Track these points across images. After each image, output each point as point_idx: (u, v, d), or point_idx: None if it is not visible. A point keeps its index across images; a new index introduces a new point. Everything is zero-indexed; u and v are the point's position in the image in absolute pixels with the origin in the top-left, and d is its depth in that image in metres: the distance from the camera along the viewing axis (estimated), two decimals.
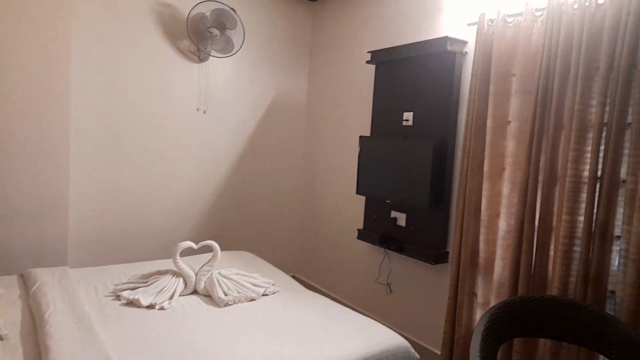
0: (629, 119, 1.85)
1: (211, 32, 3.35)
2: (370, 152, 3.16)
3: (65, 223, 2.90)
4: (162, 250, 3.39)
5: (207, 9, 3.34)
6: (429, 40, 2.77)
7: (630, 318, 1.79)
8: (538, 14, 2.23)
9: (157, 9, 3.31)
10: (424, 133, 2.86)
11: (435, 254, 2.74)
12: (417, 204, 2.78)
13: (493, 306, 1.83)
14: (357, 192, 3.25)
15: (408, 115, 2.96)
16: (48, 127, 2.79)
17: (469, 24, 2.58)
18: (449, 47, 2.64)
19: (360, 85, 3.51)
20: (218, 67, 3.62)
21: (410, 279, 3.05)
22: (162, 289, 2.35)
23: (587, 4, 2.00)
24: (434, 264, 2.76)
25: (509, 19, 2.35)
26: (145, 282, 2.43)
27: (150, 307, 2.21)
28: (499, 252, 2.31)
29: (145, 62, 3.29)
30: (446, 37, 2.64)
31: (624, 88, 1.84)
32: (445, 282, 2.74)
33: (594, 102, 1.97)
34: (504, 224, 2.30)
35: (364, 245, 3.42)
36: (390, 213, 3.07)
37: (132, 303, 2.22)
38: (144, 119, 3.33)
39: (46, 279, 2.34)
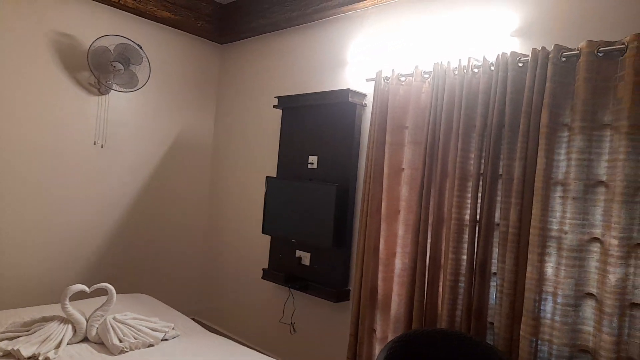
0: (500, 170, 2.15)
1: (114, 66, 3.25)
2: (277, 192, 3.23)
3: None
4: (49, 294, 3.08)
5: (110, 42, 3.26)
6: (333, 90, 2.97)
7: (505, 347, 2.02)
8: (426, 75, 2.52)
9: (54, 38, 3.15)
10: (328, 176, 3.02)
11: (337, 292, 2.84)
12: (321, 244, 2.89)
13: (390, 341, 1.95)
14: (263, 232, 3.27)
15: (313, 159, 3.10)
16: None
17: (367, 79, 2.83)
18: (350, 99, 2.85)
19: (267, 127, 3.61)
20: (120, 101, 3.50)
21: (314, 318, 3.11)
22: (48, 337, 2.13)
23: (465, 70, 2.32)
24: (336, 302, 2.85)
25: (402, 78, 2.63)
26: (27, 331, 2.18)
27: (33, 358, 1.99)
28: (395, 289, 2.47)
29: (38, 93, 3.09)
30: (348, 89, 2.86)
31: (495, 144, 2.15)
32: (347, 319, 2.85)
33: (472, 155, 2.26)
34: (400, 262, 2.48)
35: (269, 285, 3.43)
36: (295, 252, 3.14)
37: (10, 355, 1.98)
38: (33, 154, 3.08)
39: None
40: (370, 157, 2.68)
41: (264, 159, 3.60)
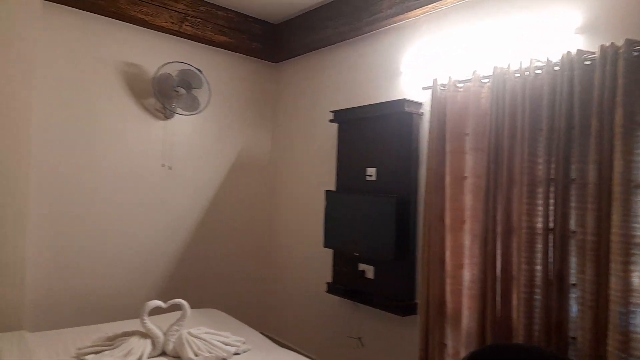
0: (573, 175, 2.04)
1: (177, 91, 3.42)
2: (336, 206, 3.24)
3: (21, 284, 2.74)
4: (127, 309, 3.24)
5: (173, 69, 3.43)
6: (388, 101, 2.96)
7: None
8: (485, 80, 2.45)
9: (122, 69, 3.36)
10: (387, 188, 2.99)
11: (404, 305, 2.79)
12: (383, 256, 2.86)
13: (464, 357, 1.89)
14: (325, 246, 3.29)
15: (371, 171, 3.09)
16: (6, 190, 2.69)
17: (423, 88, 2.79)
18: (406, 109, 2.83)
19: (324, 141, 3.65)
20: (184, 124, 3.67)
21: (381, 332, 3.07)
22: (129, 352, 2.24)
23: (526, 73, 2.23)
24: (403, 316, 2.80)
25: (459, 84, 2.57)
26: (111, 345, 2.31)
27: None
28: (465, 302, 2.40)
29: (109, 120, 3.30)
30: (403, 99, 2.84)
31: (565, 147, 2.05)
32: (415, 333, 2.78)
33: (541, 160, 2.16)
34: (468, 274, 2.41)
35: (334, 299, 3.43)
36: (358, 266, 3.13)
37: None
38: (108, 176, 3.28)
39: (2, 345, 2.19)
40: (430, 166, 2.63)
41: (323, 173, 3.62)
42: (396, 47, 3.11)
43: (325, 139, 3.63)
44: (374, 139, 3.10)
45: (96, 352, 2.24)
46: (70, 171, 3.12)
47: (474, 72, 2.47)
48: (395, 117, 2.95)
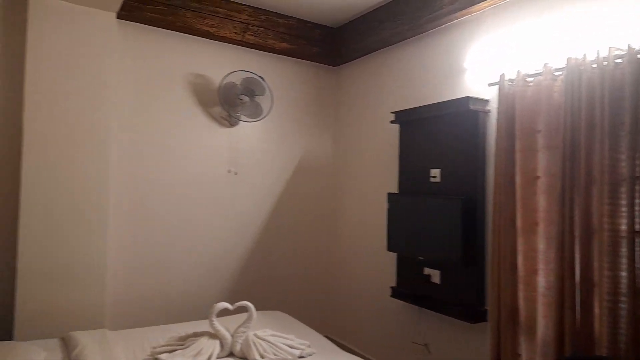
0: None
1: (241, 99, 3.51)
2: (399, 208, 3.17)
3: (102, 286, 2.93)
4: (196, 310, 3.37)
5: (237, 78, 3.52)
6: (452, 100, 2.84)
7: None
8: (557, 73, 2.28)
9: (190, 80, 3.50)
10: (452, 189, 2.87)
11: (473, 312, 2.66)
12: (449, 261, 2.75)
13: None
14: (388, 249, 3.22)
15: (435, 172, 2.98)
16: (88, 197, 2.89)
17: (490, 84, 2.65)
18: (471, 106, 2.70)
19: (385, 143, 3.58)
20: (248, 130, 3.76)
21: (449, 339, 2.94)
22: (199, 352, 2.32)
23: (605, 63, 2.05)
24: (472, 323, 2.67)
25: (529, 78, 2.41)
26: (183, 345, 2.40)
27: None
28: (540, 310, 2.23)
29: (179, 129, 3.45)
30: (468, 97, 2.71)
31: None
32: (486, 341, 2.64)
33: (624, 157, 1.97)
34: (543, 280, 2.24)
35: (398, 304, 3.35)
36: (423, 270, 3.03)
37: None
38: (178, 183, 3.44)
39: (86, 342, 2.34)
40: (498, 166, 2.49)
41: (385, 176, 3.56)
42: (459, 43, 2.99)
43: (386, 140, 3.56)
44: (438, 139, 2.99)
45: (169, 351, 2.33)
46: (145, 179, 3.30)
47: (545, 64, 2.31)
48: (460, 116, 2.83)
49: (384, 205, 3.33)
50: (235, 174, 3.69)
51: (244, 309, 2.56)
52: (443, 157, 2.95)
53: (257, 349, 2.35)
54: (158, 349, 2.37)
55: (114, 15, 3.00)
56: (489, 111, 2.75)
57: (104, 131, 2.95)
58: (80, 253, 2.85)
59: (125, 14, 3.11)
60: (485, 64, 2.79)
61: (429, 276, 2.97)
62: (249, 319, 2.50)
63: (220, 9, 3.47)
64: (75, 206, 2.84)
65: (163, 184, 3.38)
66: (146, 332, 2.66)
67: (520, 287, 2.33)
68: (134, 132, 3.27)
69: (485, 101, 2.75)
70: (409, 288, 3.15)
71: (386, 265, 3.46)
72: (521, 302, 2.33)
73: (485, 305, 2.70)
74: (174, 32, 3.42)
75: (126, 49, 3.23)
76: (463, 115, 2.80)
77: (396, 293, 3.24)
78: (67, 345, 2.36)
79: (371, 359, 3.58)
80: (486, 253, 2.71)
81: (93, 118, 2.91)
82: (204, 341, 2.40)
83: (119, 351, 2.32)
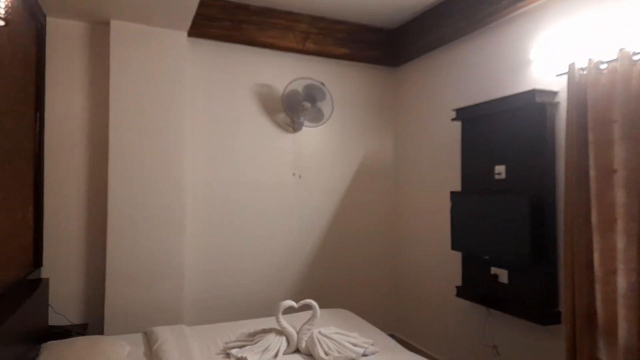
0: None
1: (303, 106, 3.54)
2: (463, 207, 3.02)
3: (181, 284, 3.08)
4: (264, 307, 3.45)
5: (299, 85, 3.56)
6: (516, 94, 2.67)
7: None
8: (636, 58, 2.06)
9: (256, 90, 3.60)
10: (519, 186, 2.69)
11: (544, 314, 2.46)
12: (517, 260, 2.57)
13: None
14: (453, 248, 3.09)
15: (500, 169, 2.82)
16: (168, 200, 3.05)
17: (557, 75, 2.46)
18: (537, 99, 2.51)
19: (447, 142, 3.44)
20: (310, 135, 3.78)
21: (519, 341, 2.75)
22: (267, 347, 2.35)
23: None
24: (544, 325, 2.47)
25: (603, 65, 2.20)
26: (252, 341, 2.45)
27: None
28: (621, 313, 2.01)
29: (247, 136, 3.55)
30: (534, 89, 2.53)
31: None
32: (560, 345, 2.43)
33: None
34: (623, 280, 2.02)
35: (464, 303, 3.19)
36: (490, 269, 2.86)
37: None
38: (246, 187, 3.54)
39: (166, 337, 2.46)
40: (569, 160, 2.29)
41: (447, 174, 3.42)
42: (522, 34, 2.80)
43: (448, 139, 3.42)
44: (502, 135, 2.82)
45: (239, 347, 2.39)
46: (217, 184, 3.44)
47: (621, 50, 2.09)
48: (526, 110, 2.64)
49: (447, 204, 3.20)
50: (300, 177, 3.73)
51: (308, 307, 2.56)
52: (508, 153, 2.78)
53: (322, 347, 2.34)
54: (229, 344, 2.44)
55: (184, 34, 3.15)
56: (557, 103, 2.54)
57: (179, 141, 3.11)
58: (161, 255, 3.02)
59: (194, 31, 3.26)
60: (552, 55, 2.59)
61: (496, 276, 2.80)
62: (314, 316, 2.50)
63: (281, 21, 3.53)
64: (156, 212, 3.02)
65: (233, 189, 3.49)
66: (219, 328, 2.76)
67: (598, 287, 2.11)
68: (206, 140, 3.41)
69: (553, 93, 2.55)
70: (475, 288, 2.99)
71: (451, 265, 3.31)
72: (599, 304, 2.11)
73: (558, 306, 2.49)
74: (239, 45, 3.52)
75: (196, 63, 3.38)
76: (529, 108, 2.62)
77: (461, 293, 3.09)
78: (149, 340, 2.50)
79: (437, 357, 3.44)
80: (558, 251, 2.51)
81: (169, 129, 3.08)
82: (271, 337, 2.43)
83: (194, 345, 2.42)
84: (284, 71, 3.68)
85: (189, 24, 3.05)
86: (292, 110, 3.59)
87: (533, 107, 2.58)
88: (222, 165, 3.46)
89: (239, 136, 3.53)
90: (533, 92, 2.53)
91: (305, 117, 3.62)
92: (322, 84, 3.61)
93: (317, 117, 3.66)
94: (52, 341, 2.28)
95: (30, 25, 2.60)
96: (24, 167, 2.49)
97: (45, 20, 2.87)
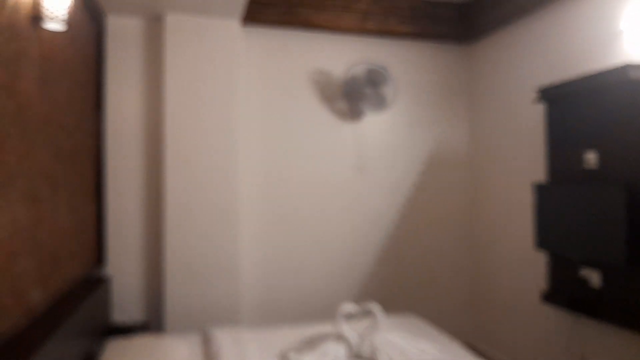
0: None
1: (364, 92, 3.58)
2: (548, 200, 2.92)
3: (237, 284, 3.27)
4: (325, 309, 3.56)
5: (359, 70, 3.61)
6: (608, 70, 2.53)
7: None
8: None
9: (312, 77, 3.70)
10: (612, 175, 2.56)
11: None
12: (611, 261, 2.45)
13: None
14: (537, 246, 3.00)
15: (591, 156, 2.69)
16: (223, 199, 3.25)
17: None
18: (631, 75, 2.38)
19: (528, 126, 3.33)
20: (372, 124, 3.82)
21: (612, 351, 2.62)
22: (325, 353, 2.45)
23: None
24: None
25: None
26: (310, 345, 2.56)
27: None
28: None
29: (305, 127, 3.68)
30: (627, 65, 2.39)
31: None
32: None
33: None
34: None
35: (548, 309, 3.09)
36: (579, 271, 2.75)
37: None
38: (305, 181, 3.66)
39: (224, 340, 2.63)
40: None
41: (529, 164, 3.31)
42: (611, 1, 2.65)
43: (530, 123, 3.31)
44: (593, 117, 2.69)
45: (297, 351, 2.51)
46: (274, 180, 3.59)
47: None
48: (618, 87, 2.50)
49: (530, 198, 3.10)
50: (361, 169, 3.78)
51: (370, 312, 2.62)
52: (600, 137, 2.64)
53: (385, 353, 2.39)
54: (287, 348, 2.57)
55: (237, 22, 3.32)
56: None
57: (235, 135, 3.28)
58: (217, 253, 3.22)
59: (248, 19, 3.42)
60: None
61: (586, 278, 2.68)
62: (376, 322, 2.55)
63: (338, 1, 3.59)
64: (212, 208, 3.22)
65: (291, 183, 3.63)
66: (276, 331, 2.90)
67: None
68: (262, 133, 3.58)
69: None
70: (563, 291, 2.88)
71: (534, 265, 3.22)
72: None
73: None
74: (294, 30, 3.64)
75: (250, 53, 3.55)
76: (622, 86, 2.48)
77: (546, 297, 2.99)
78: (207, 341, 2.70)
79: None
80: None
81: (224, 123, 3.26)
82: (330, 343, 2.52)
83: (251, 349, 2.57)
84: (342, 55, 3.74)
85: (241, 10, 3.19)
86: (352, 97, 3.65)
87: (626, 84, 2.45)
88: (279, 159, 3.61)
89: (296, 127, 3.66)
90: (626, 68, 2.39)
91: (366, 104, 3.66)
92: (384, 67, 3.63)
93: (379, 104, 3.68)
94: (116, 338, 2.55)
95: (91, 25, 2.89)
96: (87, 165, 2.78)
97: (104, 19, 3.16)
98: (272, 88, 3.62)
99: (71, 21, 2.27)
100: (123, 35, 3.24)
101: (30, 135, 1.84)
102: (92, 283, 2.69)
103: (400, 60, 3.90)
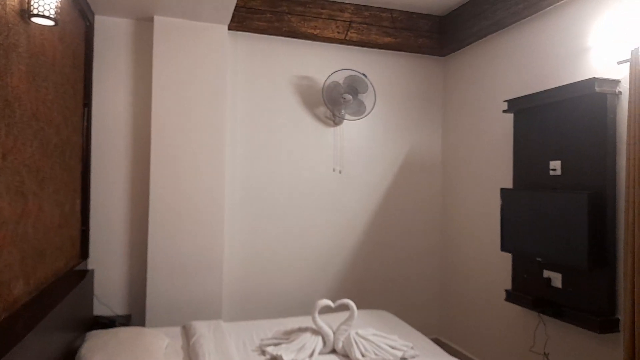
0: None
1: (344, 98, 3.60)
2: (515, 205, 2.98)
3: (219, 280, 3.24)
4: (302, 304, 3.57)
5: (340, 77, 3.63)
6: (573, 83, 2.60)
7: None
8: None
9: (296, 82, 3.70)
10: (575, 183, 2.62)
11: (601, 321, 2.40)
12: (573, 264, 2.51)
13: None
14: (502, 249, 3.05)
15: (555, 164, 2.75)
16: (207, 197, 3.22)
17: (619, 62, 2.37)
18: (597, 89, 2.44)
19: (497, 135, 3.40)
20: (352, 129, 3.84)
21: (573, 350, 2.69)
22: (303, 346, 2.45)
23: None
24: (600, 333, 2.41)
25: None
26: (287, 339, 2.56)
27: None
28: None
29: (287, 130, 3.67)
30: (594, 78, 2.45)
31: None
32: (617, 354, 2.37)
33: None
34: None
35: (514, 308, 3.15)
36: (542, 272, 2.81)
37: (275, 359, 2.36)
38: (286, 182, 3.66)
39: (203, 331, 2.62)
40: (633, 155, 2.22)
41: (498, 170, 3.37)
42: (581, 19, 2.72)
43: (499, 132, 3.37)
44: (558, 128, 2.76)
45: (275, 344, 2.51)
46: (256, 179, 3.58)
47: None
48: (584, 100, 2.57)
49: (497, 202, 3.16)
50: (340, 172, 3.80)
51: (345, 307, 2.63)
52: (564, 147, 2.71)
53: (359, 348, 2.40)
54: (265, 342, 2.56)
55: (225, 27, 3.30)
56: (619, 93, 2.45)
57: (220, 135, 3.27)
58: (200, 250, 3.20)
59: (237, 25, 3.40)
60: (612, 40, 2.50)
61: (549, 279, 2.74)
62: (351, 317, 2.57)
63: (324, 10, 3.61)
64: (196, 206, 3.19)
65: (273, 184, 3.62)
66: (255, 325, 2.89)
67: None
68: (246, 134, 3.56)
69: (615, 82, 2.47)
70: (526, 291, 2.94)
71: (500, 267, 3.28)
72: None
73: (616, 313, 2.41)
74: (280, 37, 3.63)
75: (237, 57, 3.53)
76: (588, 99, 2.55)
77: (511, 297, 3.04)
78: (187, 333, 2.67)
79: None
80: (618, 254, 2.43)
81: (210, 123, 3.24)
82: (307, 337, 2.53)
83: (230, 341, 2.55)
84: (325, 63, 3.75)
85: (229, 17, 3.17)
86: (333, 103, 3.66)
87: (592, 97, 2.51)
88: (262, 159, 3.60)
89: (279, 130, 3.65)
90: (593, 81, 2.45)
91: (346, 109, 3.68)
92: (365, 75, 3.66)
93: (359, 110, 3.71)
94: (97, 330, 2.50)
95: (80, 23, 2.84)
96: (73, 160, 2.73)
97: (93, 18, 3.10)
98: (257, 92, 3.61)
99: (60, 17, 2.23)
100: (112, 34, 3.19)
101: (18, 130, 1.80)
102: (75, 277, 2.63)
103: (380, 70, 3.93)
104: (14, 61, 1.74)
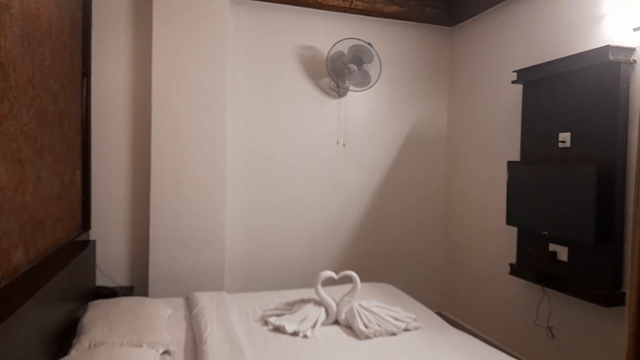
0: None
1: (349, 68, 3.51)
2: (521, 178, 2.93)
3: (222, 253, 3.24)
4: (305, 278, 3.56)
5: (344, 46, 3.53)
6: (586, 51, 2.51)
7: None
8: None
9: (299, 52, 3.61)
10: (585, 155, 2.56)
11: (607, 295, 2.37)
12: (580, 238, 2.47)
13: None
14: (508, 223, 3.01)
15: (564, 136, 2.69)
16: (209, 169, 3.19)
17: (635, 29, 2.28)
18: (611, 57, 2.35)
19: (506, 107, 3.32)
20: (356, 100, 3.77)
21: (577, 323, 2.68)
22: (305, 317, 2.45)
23: None
24: (606, 307, 2.39)
25: None
26: (290, 310, 2.56)
27: (295, 334, 2.32)
28: None
29: (290, 103, 3.60)
30: (607, 46, 2.37)
31: None
32: (621, 328, 2.36)
33: None
34: None
35: (518, 282, 3.13)
36: (548, 246, 2.77)
37: (277, 329, 2.36)
38: (289, 154, 3.60)
39: (206, 302, 2.62)
40: None
41: (505, 143, 3.30)
42: None
43: (507, 104, 3.29)
44: (569, 98, 2.68)
45: (277, 315, 2.50)
46: (259, 152, 3.53)
47: None
48: (597, 69, 2.49)
49: (504, 176, 3.11)
50: (344, 145, 3.74)
51: (349, 279, 2.62)
52: (574, 118, 2.64)
53: (362, 319, 2.40)
54: (267, 312, 2.56)
55: None
56: (633, 62, 2.37)
57: (221, 106, 3.21)
58: (202, 221, 3.18)
59: None
60: (628, 6, 2.40)
61: (554, 253, 2.71)
62: (354, 288, 2.56)
63: None
64: (198, 177, 3.16)
65: (276, 156, 3.57)
66: (258, 297, 2.89)
67: None
68: (248, 106, 3.49)
69: (630, 50, 2.38)
70: (531, 266, 2.91)
71: (506, 241, 3.25)
72: None
73: (622, 287, 2.39)
74: (283, 5, 3.53)
75: (239, 26, 3.44)
76: (601, 68, 2.47)
77: (515, 270, 3.02)
78: (190, 304, 2.67)
79: (485, 337, 3.42)
80: (626, 229, 2.38)
81: (211, 94, 3.18)
82: (310, 308, 2.52)
83: (233, 312, 2.55)
84: (329, 32, 3.65)
85: None
86: (337, 73, 3.58)
87: (606, 65, 2.43)
88: (264, 132, 3.54)
89: (282, 102, 3.58)
90: (606, 49, 2.36)
91: (351, 80, 3.60)
92: (370, 44, 3.56)
93: (364, 81, 3.63)
94: (99, 300, 2.49)
95: None
96: (72, 131, 2.68)
97: None
98: (259, 62, 3.52)
99: None
100: (111, 3, 3.09)
101: (13, 95, 1.75)
102: (76, 247, 2.62)
103: (386, 40, 3.83)
104: (7, 23, 1.68)
